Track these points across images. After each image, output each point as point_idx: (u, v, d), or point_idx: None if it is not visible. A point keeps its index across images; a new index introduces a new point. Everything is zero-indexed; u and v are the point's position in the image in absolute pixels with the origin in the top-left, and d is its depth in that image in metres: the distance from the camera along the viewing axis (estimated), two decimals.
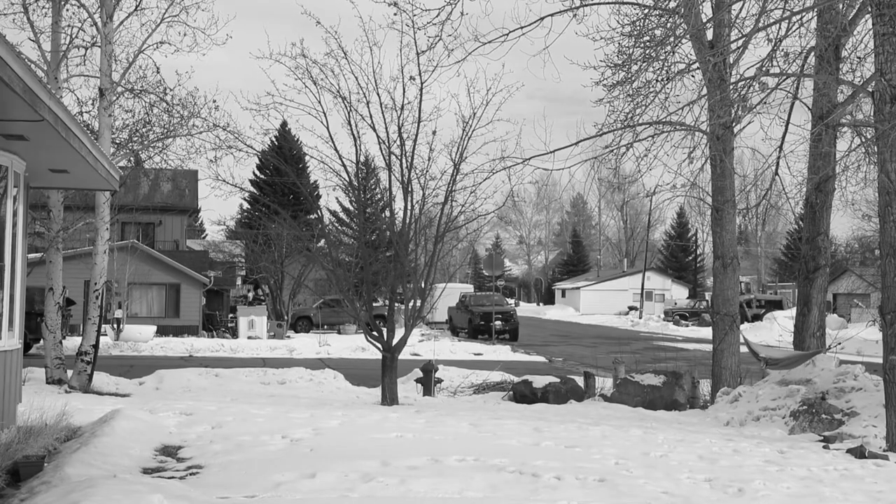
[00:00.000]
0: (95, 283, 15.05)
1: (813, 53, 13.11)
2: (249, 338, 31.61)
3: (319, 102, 12.84)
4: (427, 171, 13.16)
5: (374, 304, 15.05)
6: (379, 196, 19.15)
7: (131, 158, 19.88)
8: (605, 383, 15.64)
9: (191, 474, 7.07)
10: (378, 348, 13.18)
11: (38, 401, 10.14)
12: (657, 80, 13.25)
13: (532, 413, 12.09)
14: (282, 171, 33.50)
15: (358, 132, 13.03)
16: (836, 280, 47.29)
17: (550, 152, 13.77)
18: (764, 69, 12.05)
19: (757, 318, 43.26)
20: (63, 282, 16.36)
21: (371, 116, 12.90)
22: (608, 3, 13.93)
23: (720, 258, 14.44)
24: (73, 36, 15.76)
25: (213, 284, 35.21)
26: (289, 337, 33.19)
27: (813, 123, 13.63)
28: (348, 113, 12.88)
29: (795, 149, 28.13)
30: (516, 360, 24.46)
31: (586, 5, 13.66)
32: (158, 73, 17.14)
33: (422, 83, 12.72)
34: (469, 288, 49.03)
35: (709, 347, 16.83)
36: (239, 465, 7.34)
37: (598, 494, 6.55)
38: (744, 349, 14.25)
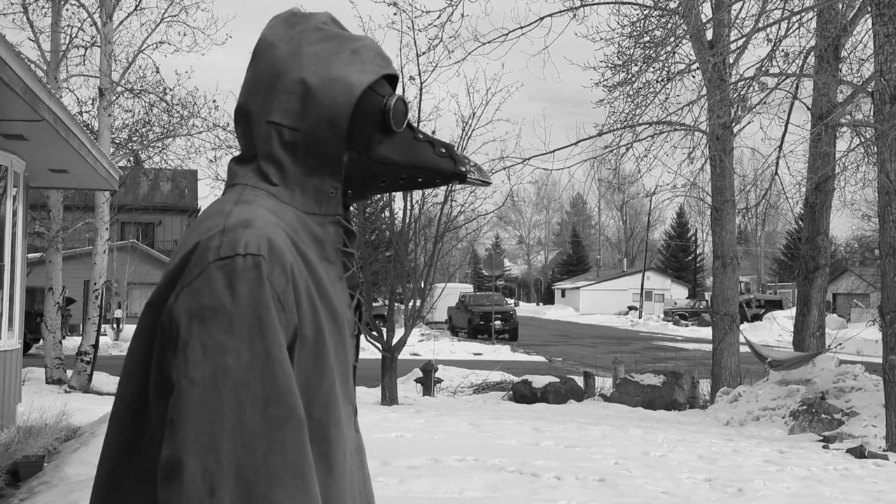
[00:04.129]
0: (95, 283, 15.05)
1: (813, 53, 13.12)
2: None
3: None
4: None
5: (374, 304, 15.05)
6: (379, 196, 19.14)
7: (131, 158, 19.90)
8: (604, 383, 15.65)
9: None
10: (378, 348, 13.18)
11: (37, 401, 10.14)
12: (657, 81, 13.28)
13: (532, 413, 12.10)
14: None
15: None
16: (836, 280, 47.29)
17: (550, 152, 13.81)
18: (763, 69, 12.06)
19: (756, 317, 43.26)
20: (63, 282, 16.37)
21: None
22: (608, 3, 13.96)
23: (720, 258, 14.44)
24: (73, 36, 15.79)
25: None
26: None
27: (812, 123, 13.64)
28: None
29: (795, 149, 27.99)
30: (516, 360, 24.46)
31: (586, 5, 13.69)
32: (158, 72, 17.19)
33: (421, 83, 12.74)
34: (469, 288, 49.02)
35: (708, 347, 16.83)
36: None
37: (598, 494, 6.55)
38: (744, 349, 14.25)
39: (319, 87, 1.26)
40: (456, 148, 1.37)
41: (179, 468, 1.05)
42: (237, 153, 1.35)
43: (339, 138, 1.27)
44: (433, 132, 13.15)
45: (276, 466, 1.07)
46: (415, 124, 1.37)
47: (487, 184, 1.41)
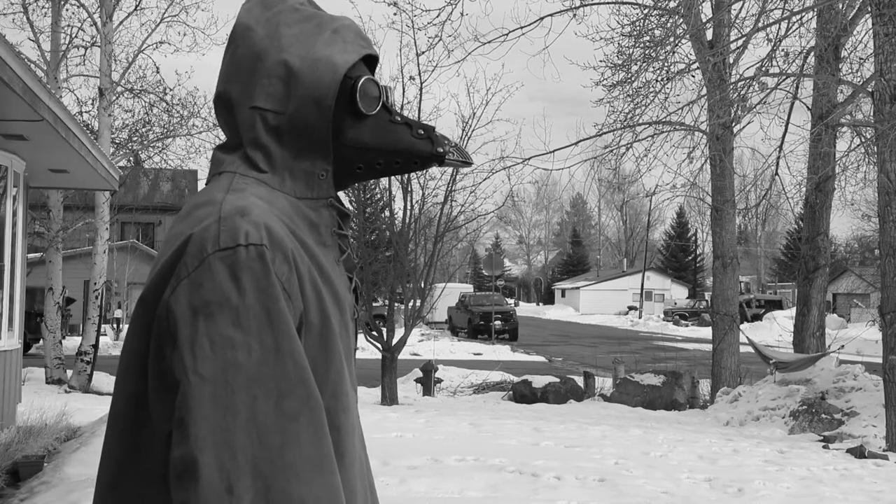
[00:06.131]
0: (95, 283, 15.05)
1: (813, 53, 13.12)
2: None
3: None
4: (427, 171, 13.19)
5: (374, 304, 15.05)
6: (379, 196, 19.15)
7: (131, 158, 19.91)
8: (604, 383, 15.65)
9: None
10: (378, 348, 13.17)
11: (37, 401, 10.14)
12: (657, 81, 13.28)
13: (532, 413, 12.10)
14: None
15: None
16: (836, 280, 47.28)
17: (550, 152, 13.82)
18: (764, 69, 12.06)
19: (756, 317, 43.24)
20: (63, 282, 16.37)
21: None
22: (608, 2, 13.96)
23: (720, 258, 14.44)
24: (73, 36, 15.80)
25: None
26: None
27: (813, 123, 13.64)
28: None
29: (795, 149, 28.04)
30: (516, 360, 24.46)
31: (586, 5, 13.69)
32: (158, 72, 17.21)
33: (421, 83, 12.75)
34: (469, 288, 49.00)
35: (708, 347, 16.82)
36: None
37: (598, 494, 6.55)
38: (744, 349, 14.24)
39: (303, 69, 1.24)
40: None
41: (195, 467, 1.02)
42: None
43: (326, 119, 1.24)
44: None
45: (293, 460, 1.06)
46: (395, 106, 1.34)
47: (468, 164, 1.37)
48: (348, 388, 1.23)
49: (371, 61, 1.34)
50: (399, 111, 1.34)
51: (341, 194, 1.37)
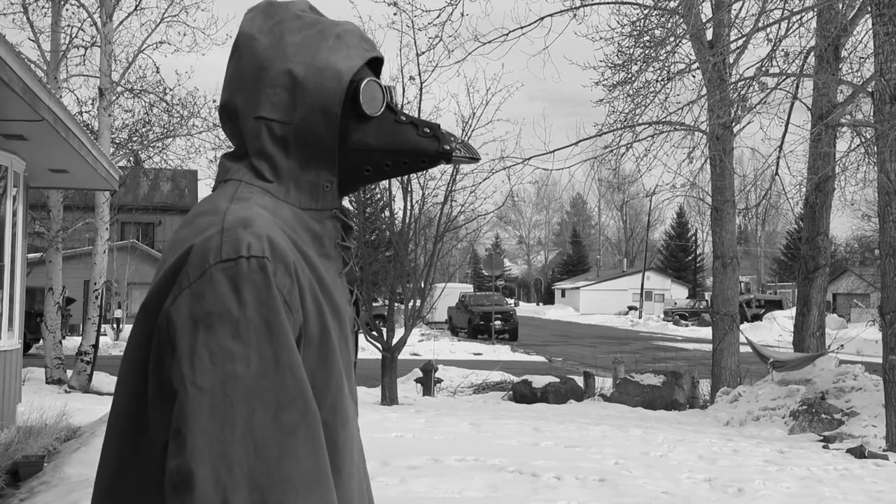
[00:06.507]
0: (95, 283, 15.05)
1: (813, 53, 13.12)
2: None
3: None
4: (427, 171, 13.19)
5: (374, 304, 15.06)
6: (379, 196, 19.16)
7: (131, 158, 19.91)
8: (604, 383, 15.65)
9: None
10: (378, 348, 13.17)
11: (37, 401, 10.14)
12: (657, 81, 13.28)
13: (532, 413, 12.10)
14: None
15: None
16: (836, 280, 47.27)
17: (550, 152, 13.82)
18: (764, 69, 12.06)
19: (756, 317, 43.23)
20: (63, 282, 16.37)
21: None
22: (608, 2, 13.97)
23: (720, 258, 14.44)
24: (73, 36, 15.80)
25: None
26: None
27: (813, 123, 13.63)
28: None
29: (795, 149, 28.08)
30: (516, 360, 24.45)
31: (586, 5, 13.70)
32: (158, 72, 17.22)
33: (421, 83, 12.75)
34: (469, 288, 48.97)
35: (708, 347, 16.82)
36: None
37: (598, 494, 6.55)
38: (744, 349, 14.24)
39: (308, 78, 1.23)
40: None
41: (190, 478, 1.02)
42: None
43: (333, 128, 1.24)
44: None
45: (290, 474, 1.05)
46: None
47: (476, 160, 1.36)
48: (347, 401, 1.22)
49: (375, 63, 1.33)
50: (403, 111, 1.33)
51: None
